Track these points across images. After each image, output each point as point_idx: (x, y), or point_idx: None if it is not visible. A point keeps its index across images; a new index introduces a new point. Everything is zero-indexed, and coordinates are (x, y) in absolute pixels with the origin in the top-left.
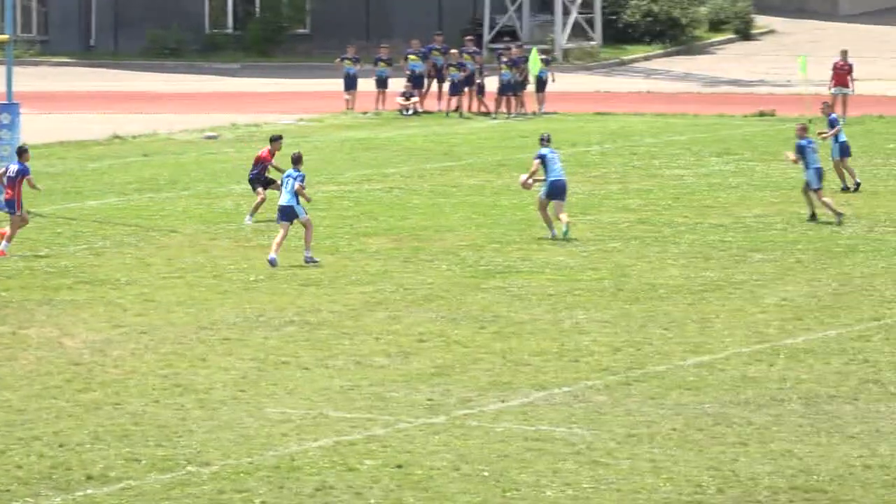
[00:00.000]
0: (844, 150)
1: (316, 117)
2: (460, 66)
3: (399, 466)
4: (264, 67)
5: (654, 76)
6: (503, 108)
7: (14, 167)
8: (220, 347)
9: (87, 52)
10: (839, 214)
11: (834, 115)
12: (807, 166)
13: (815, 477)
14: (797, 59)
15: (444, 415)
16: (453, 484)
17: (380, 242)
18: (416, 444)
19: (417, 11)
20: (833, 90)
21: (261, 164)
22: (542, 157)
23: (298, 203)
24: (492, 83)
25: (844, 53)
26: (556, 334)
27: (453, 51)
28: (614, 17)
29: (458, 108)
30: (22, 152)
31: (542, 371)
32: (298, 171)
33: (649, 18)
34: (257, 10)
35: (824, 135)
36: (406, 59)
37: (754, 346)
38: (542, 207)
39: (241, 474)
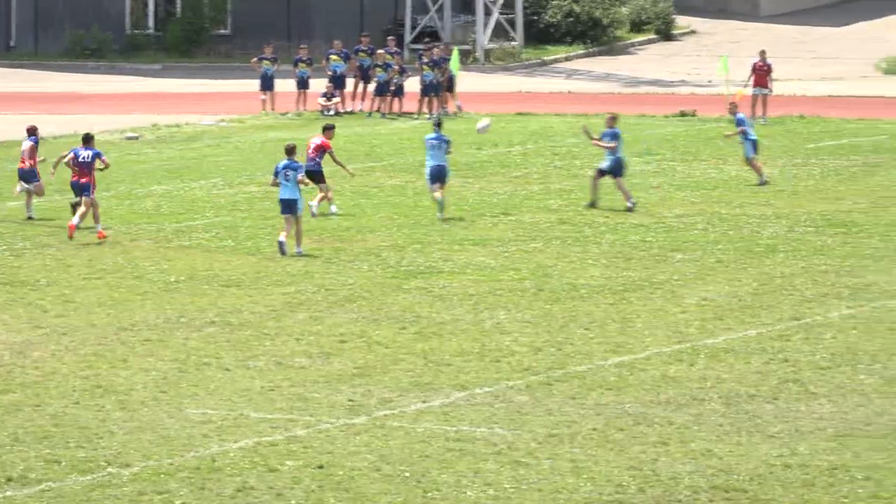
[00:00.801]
0: (755, 147)
1: (237, 118)
2: (386, 67)
3: (320, 467)
4: (185, 68)
5: (576, 76)
6: (425, 109)
7: (87, 153)
8: (140, 348)
9: (7, 53)
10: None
11: (741, 115)
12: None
13: (735, 476)
14: (718, 60)
15: (365, 415)
16: (374, 484)
17: (302, 243)
18: (337, 444)
19: (338, 12)
20: (753, 90)
21: (322, 152)
22: (428, 143)
23: (301, 196)
24: (413, 84)
25: (763, 54)
26: (477, 334)
27: (380, 51)
28: (535, 18)
29: (379, 109)
30: (88, 139)
31: (463, 371)
32: (295, 161)
33: (570, 19)
34: (178, 10)
35: (729, 135)
36: (327, 59)
37: (675, 345)
38: (431, 190)
39: (162, 475)
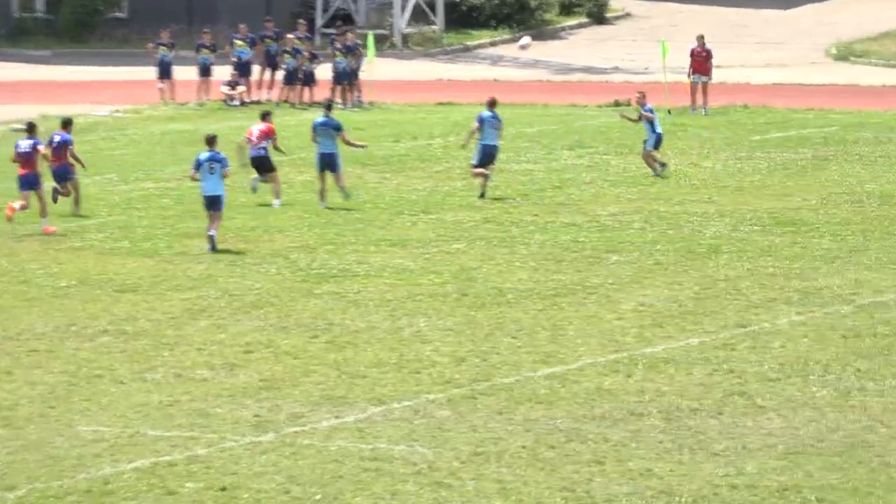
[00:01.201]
0: (659, 142)
1: (133, 108)
2: (295, 53)
3: (223, 489)
4: (78, 54)
5: (502, 63)
6: (338, 98)
7: (27, 142)
8: (26, 360)
9: None
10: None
11: (649, 106)
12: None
13: (676, 498)
14: (659, 45)
15: (272, 432)
16: None
17: (203, 244)
18: (242, 464)
19: None
20: (692, 78)
21: (267, 138)
22: (314, 127)
23: (224, 191)
24: (325, 72)
25: (701, 39)
26: (394, 343)
27: (289, 36)
28: (458, 0)
29: (287, 99)
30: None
31: (379, 384)
32: (219, 152)
33: (495, 1)
34: None
35: (629, 117)
36: (232, 45)
37: (610, 355)
38: (320, 180)
39: (50, 499)
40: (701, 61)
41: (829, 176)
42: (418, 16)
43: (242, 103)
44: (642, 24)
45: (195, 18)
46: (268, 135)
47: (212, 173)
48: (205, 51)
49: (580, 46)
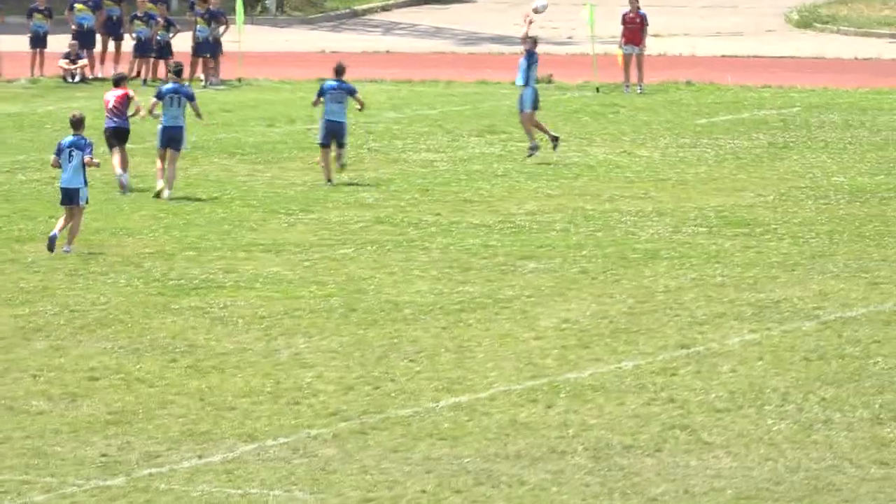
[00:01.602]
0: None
1: None
2: (148, 20)
3: None
4: None
5: (396, 31)
6: (199, 73)
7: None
8: None
9: None
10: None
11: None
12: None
13: None
14: (582, 9)
15: (123, 475)
16: None
17: (38, 249)
18: None
19: None
20: (624, 49)
21: (127, 102)
22: (160, 95)
23: (86, 183)
24: (183, 42)
25: (635, 1)
26: (269, 368)
27: None
28: None
29: (139, 73)
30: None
31: (251, 417)
32: (83, 136)
33: None
34: None
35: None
36: (71, 9)
37: (527, 381)
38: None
39: None
40: (634, 29)
41: (788, 167)
42: None
43: (84, 79)
44: None
45: None
46: (128, 98)
47: (70, 161)
48: (38, 16)
49: (490, 11)
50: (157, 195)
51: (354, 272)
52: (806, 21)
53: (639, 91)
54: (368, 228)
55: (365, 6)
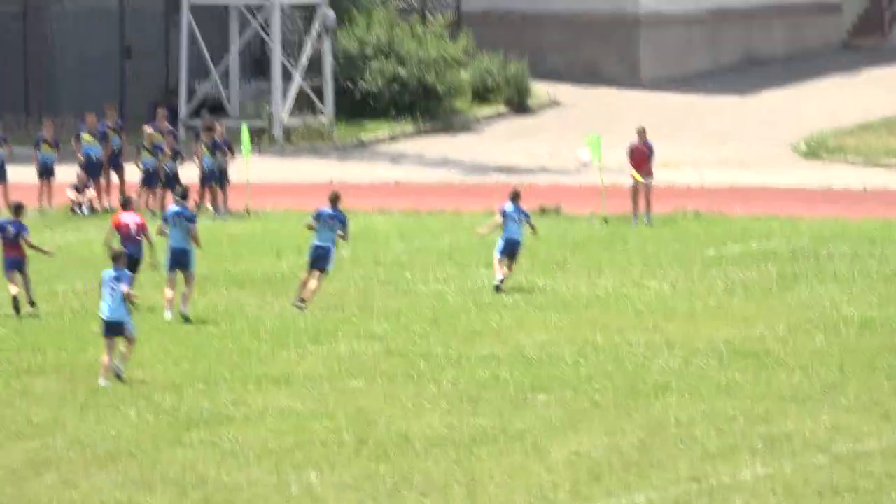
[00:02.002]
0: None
1: None
2: (155, 150)
3: None
4: None
5: (404, 161)
6: (207, 203)
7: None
8: None
9: None
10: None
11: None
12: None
13: None
14: (586, 141)
15: None
16: None
17: (48, 383)
18: None
19: (93, 78)
20: (641, 177)
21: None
22: (165, 218)
23: (128, 313)
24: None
25: (643, 133)
26: (281, 503)
27: (147, 129)
28: (350, 86)
29: (147, 204)
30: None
31: None
32: (122, 269)
33: (395, 86)
34: None
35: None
36: (78, 139)
37: None
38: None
39: None
40: (643, 159)
41: (798, 298)
42: (303, 104)
43: (92, 210)
44: (572, 114)
45: (33, 106)
46: (142, 228)
47: (112, 294)
48: (46, 146)
49: (498, 141)
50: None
51: (365, 405)
52: (814, 151)
53: (647, 222)
54: (379, 360)
55: (372, 136)
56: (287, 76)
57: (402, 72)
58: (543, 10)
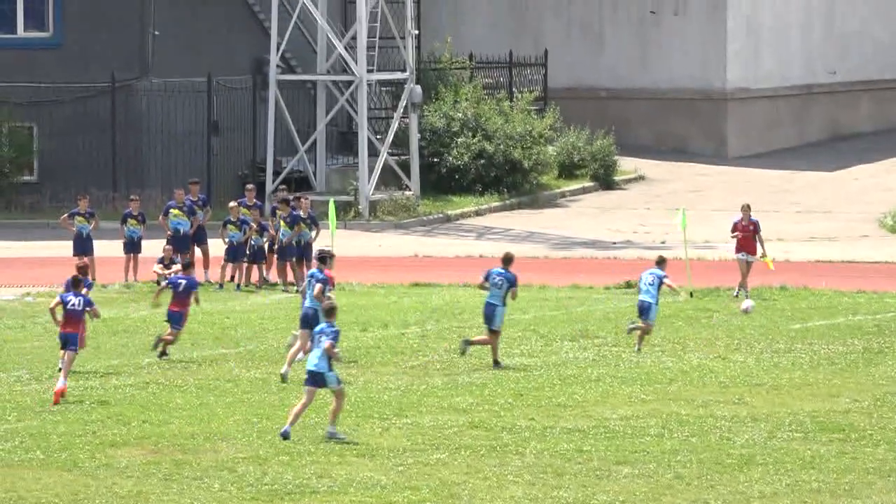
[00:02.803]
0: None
1: (47, 291)
2: (241, 224)
3: None
4: None
5: (489, 236)
6: (290, 278)
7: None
8: None
9: None
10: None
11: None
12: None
13: None
14: (676, 213)
15: None
16: None
17: (132, 454)
18: None
19: (180, 153)
20: (738, 255)
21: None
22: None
23: (331, 368)
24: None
25: (747, 209)
26: None
27: (232, 203)
28: (436, 160)
29: (233, 279)
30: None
31: None
32: (332, 325)
33: (482, 161)
34: None
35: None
36: (166, 214)
37: None
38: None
39: None
40: (748, 237)
41: (884, 372)
42: (388, 179)
43: None
44: (658, 189)
45: (120, 182)
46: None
47: (318, 345)
48: (132, 221)
49: (583, 216)
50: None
51: (448, 477)
52: None
53: (735, 295)
54: (462, 433)
55: (458, 211)
56: (373, 151)
57: (488, 147)
58: (629, 86)
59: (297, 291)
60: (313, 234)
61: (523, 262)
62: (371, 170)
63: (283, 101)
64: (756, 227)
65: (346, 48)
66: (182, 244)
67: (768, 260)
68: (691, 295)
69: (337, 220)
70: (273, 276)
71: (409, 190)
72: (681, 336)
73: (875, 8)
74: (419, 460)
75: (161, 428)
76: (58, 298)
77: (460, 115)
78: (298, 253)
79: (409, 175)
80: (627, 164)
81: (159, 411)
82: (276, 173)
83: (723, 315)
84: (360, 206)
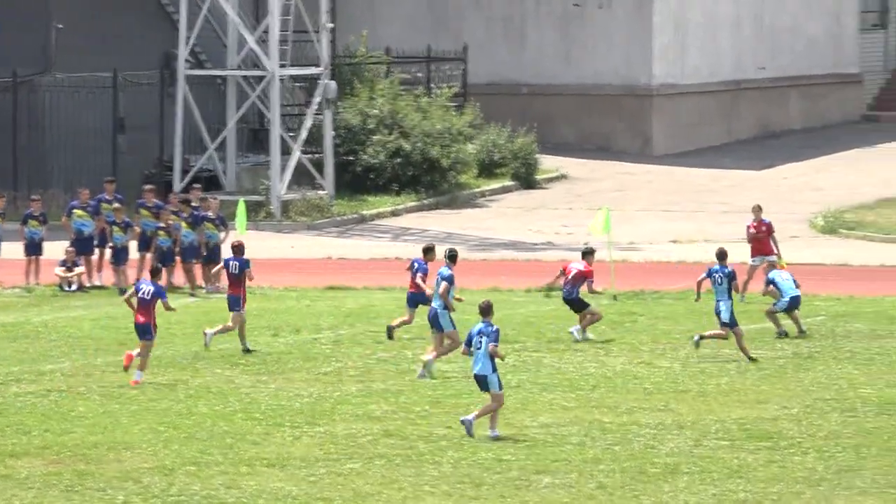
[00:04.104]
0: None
1: None
2: (126, 226)
3: None
4: None
5: (406, 237)
6: (200, 281)
7: (148, 288)
8: None
9: None
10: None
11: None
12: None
13: None
14: (597, 213)
15: None
16: None
17: (33, 465)
18: None
19: (85, 152)
20: (753, 260)
21: (582, 280)
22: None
23: (494, 369)
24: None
25: (758, 210)
26: None
27: (116, 205)
28: (351, 159)
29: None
30: (156, 272)
31: None
32: (490, 324)
33: (398, 159)
34: None
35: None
36: (69, 215)
37: None
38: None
39: None
40: (763, 238)
41: (814, 378)
42: (301, 178)
43: (81, 288)
44: (582, 189)
45: (21, 181)
46: (585, 276)
47: (479, 347)
48: (33, 222)
49: (504, 216)
50: None
51: (361, 488)
52: (831, 227)
53: (741, 300)
54: (377, 442)
55: (373, 211)
56: (286, 149)
57: (405, 145)
58: (552, 82)
59: (207, 294)
60: (221, 235)
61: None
62: (283, 169)
63: (193, 97)
64: (770, 228)
65: (257, 42)
66: (85, 246)
67: (783, 262)
68: (615, 298)
69: (247, 220)
70: (178, 279)
71: (323, 189)
72: (604, 340)
73: (805, 3)
74: (332, 470)
75: (63, 437)
76: (133, 288)
77: (376, 111)
78: (207, 255)
79: (322, 174)
80: (550, 163)
81: (61, 420)
82: (185, 172)
83: (647, 319)
84: (271, 207)
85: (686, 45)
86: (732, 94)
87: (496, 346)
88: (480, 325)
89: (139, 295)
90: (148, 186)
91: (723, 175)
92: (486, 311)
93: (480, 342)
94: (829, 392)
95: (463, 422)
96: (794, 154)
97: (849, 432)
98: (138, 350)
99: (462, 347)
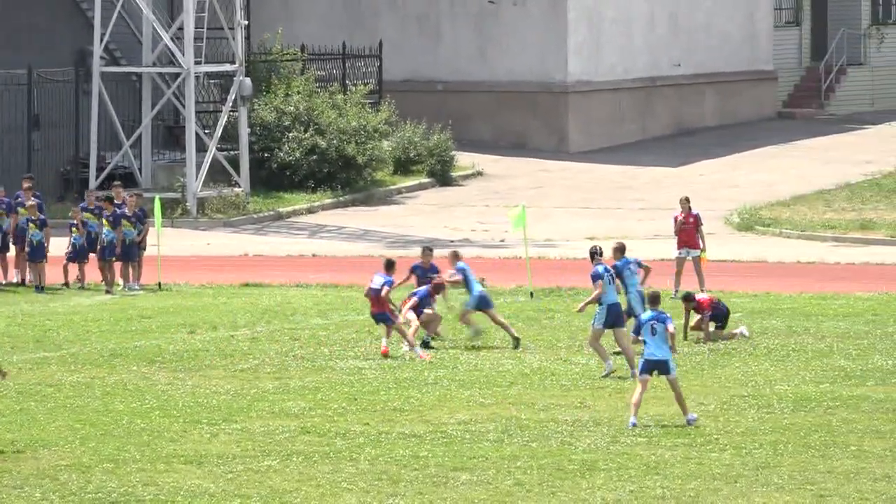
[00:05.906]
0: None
1: None
2: (41, 224)
3: None
4: None
5: (322, 234)
6: (118, 278)
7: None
8: None
9: None
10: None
11: (462, 264)
12: (626, 291)
13: None
14: (512, 209)
15: None
16: None
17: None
18: None
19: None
20: (679, 252)
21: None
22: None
23: (670, 352)
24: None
25: (686, 202)
26: None
27: (30, 202)
28: (267, 156)
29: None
30: (390, 265)
31: None
32: (661, 311)
33: (314, 156)
34: None
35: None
36: None
37: None
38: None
39: None
40: (689, 230)
41: (730, 374)
42: (217, 175)
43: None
44: (498, 185)
45: None
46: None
47: (653, 334)
48: None
49: (420, 213)
50: None
51: (279, 485)
52: (747, 224)
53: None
54: (294, 439)
55: (290, 208)
56: (201, 146)
57: (320, 142)
58: (467, 79)
59: (122, 290)
60: (134, 232)
61: (357, 262)
62: (199, 166)
63: (108, 94)
64: (697, 220)
65: (172, 39)
66: (0, 245)
67: (704, 255)
68: (531, 295)
69: (163, 217)
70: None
71: (239, 187)
72: (521, 337)
73: (720, 1)
74: (249, 467)
75: None
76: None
77: (292, 108)
78: (123, 252)
79: (238, 171)
80: (466, 160)
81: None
82: (100, 169)
83: (564, 315)
84: (187, 204)
85: (601, 42)
86: (647, 91)
87: (674, 328)
88: (650, 314)
89: (371, 285)
90: (26, 183)
91: (639, 172)
92: (654, 300)
93: (655, 329)
94: (746, 389)
95: (689, 421)
96: (709, 151)
97: (765, 429)
98: None
99: (631, 337)
